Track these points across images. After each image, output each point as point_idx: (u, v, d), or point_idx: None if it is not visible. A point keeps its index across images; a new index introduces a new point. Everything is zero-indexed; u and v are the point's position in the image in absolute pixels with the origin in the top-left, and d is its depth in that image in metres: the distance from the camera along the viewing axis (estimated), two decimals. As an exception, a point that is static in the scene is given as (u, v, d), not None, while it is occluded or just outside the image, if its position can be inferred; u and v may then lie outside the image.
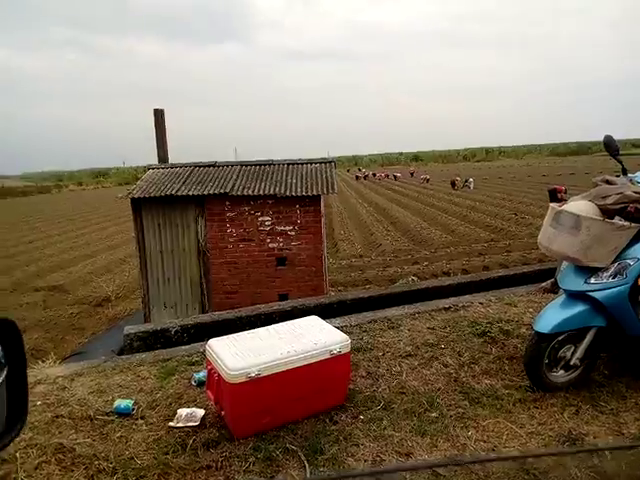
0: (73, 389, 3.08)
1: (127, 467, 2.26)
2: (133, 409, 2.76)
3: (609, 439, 2.37)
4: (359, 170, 60.45)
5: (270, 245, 7.51)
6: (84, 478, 2.21)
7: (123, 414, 2.72)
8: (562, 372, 2.83)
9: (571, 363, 2.77)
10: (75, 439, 2.49)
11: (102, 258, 15.20)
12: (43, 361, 3.85)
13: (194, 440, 2.44)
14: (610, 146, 3.06)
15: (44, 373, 3.35)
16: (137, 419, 2.69)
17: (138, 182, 7.82)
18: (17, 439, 2.36)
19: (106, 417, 2.71)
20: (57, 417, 2.72)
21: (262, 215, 7.46)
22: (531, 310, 3.97)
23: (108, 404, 2.84)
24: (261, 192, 7.31)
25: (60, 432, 2.57)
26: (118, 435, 2.53)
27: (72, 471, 2.25)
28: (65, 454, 2.36)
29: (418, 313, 4.09)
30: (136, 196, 7.26)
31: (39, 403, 2.88)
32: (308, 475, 2.17)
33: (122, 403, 2.77)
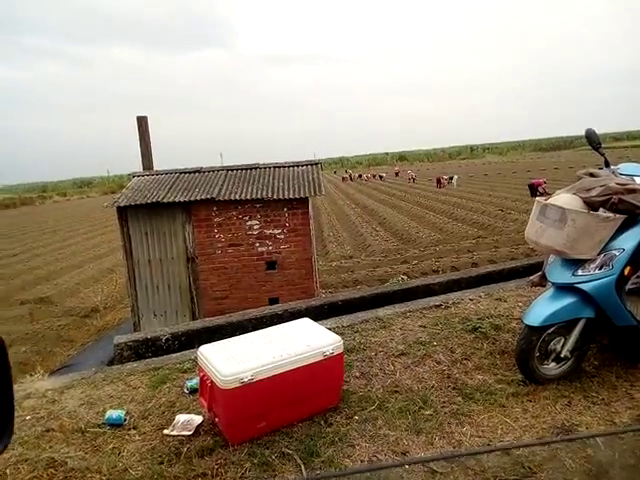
0: (63, 402, 3.03)
1: (121, 479, 2.23)
2: (125, 419, 2.72)
3: (601, 429, 2.40)
4: (346, 172, 60.65)
5: (259, 249, 7.48)
6: (77, 492, 2.18)
7: (115, 425, 2.68)
8: (553, 364, 2.86)
9: (562, 355, 2.79)
10: (67, 453, 2.45)
11: (89, 268, 15.04)
12: (31, 375, 3.78)
13: (188, 448, 2.41)
14: (592, 139, 3.10)
15: (33, 387, 3.30)
16: (130, 429, 2.65)
17: (123, 190, 7.74)
18: (6, 455, 2.32)
19: (98, 429, 2.67)
20: (47, 431, 2.67)
21: (250, 219, 7.43)
22: (521, 304, 4.00)
23: (99, 415, 2.80)
24: (248, 196, 7.28)
25: (51, 446, 2.52)
26: (111, 447, 2.49)
27: (64, 485, 2.21)
28: (57, 468, 2.32)
29: (409, 312, 4.10)
30: (122, 204, 7.19)
31: (28, 417, 2.83)
32: (305, 478, 2.15)
33: (114, 414, 2.73)
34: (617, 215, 2.62)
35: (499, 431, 2.43)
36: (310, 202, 7.63)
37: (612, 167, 3.03)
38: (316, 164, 8.41)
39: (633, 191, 2.60)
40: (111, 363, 4.49)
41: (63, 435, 2.63)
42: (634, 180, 2.78)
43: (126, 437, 2.58)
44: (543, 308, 2.76)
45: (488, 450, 2.25)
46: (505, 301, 4.14)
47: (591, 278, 2.64)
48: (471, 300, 4.22)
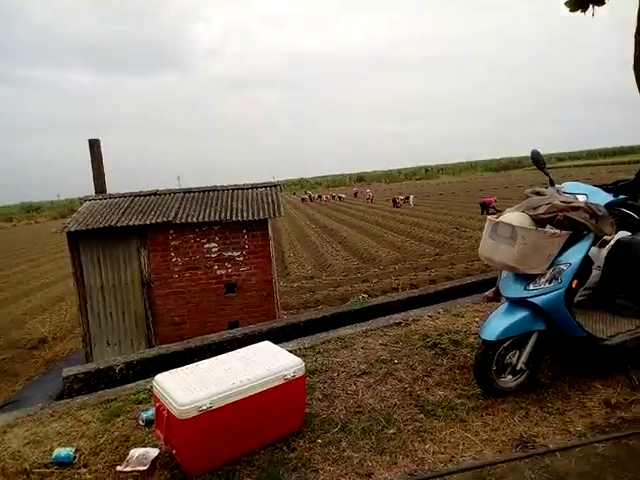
0: (6, 442, 2.82)
1: (69, 522, 2.08)
2: (75, 457, 2.55)
3: (557, 439, 2.46)
4: (305, 193, 61.05)
5: (218, 272, 7.35)
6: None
7: (64, 464, 2.51)
8: (510, 377, 2.93)
9: (517, 368, 2.87)
10: (9, 498, 2.27)
11: (37, 297, 14.28)
12: (-30, 414, 3.51)
13: (143, 484, 2.29)
14: (537, 160, 3.26)
15: (-28, 427, 3.05)
16: (79, 468, 2.49)
17: (74, 215, 7.46)
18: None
19: (44, 469, 2.50)
20: (-13, 475, 2.47)
21: (208, 242, 7.30)
22: (477, 319, 4.10)
23: (46, 455, 2.62)
24: (206, 218, 7.18)
25: (-9, 491, 2.33)
26: (58, 488, 2.33)
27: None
28: (-3, 516, 2.14)
29: (370, 330, 4.11)
30: (72, 229, 6.91)
31: (-34, 461, 2.61)
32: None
33: (62, 452, 2.56)
34: (563, 231, 2.75)
35: (461, 446, 2.45)
36: (270, 223, 7.61)
37: (557, 186, 3.19)
38: (275, 186, 8.43)
39: (576, 208, 2.74)
40: (60, 397, 4.23)
41: (5, 479, 2.44)
42: (577, 198, 2.93)
43: (75, 476, 2.42)
44: (498, 323, 2.84)
45: (453, 471, 2.26)
46: (463, 317, 4.23)
47: (542, 292, 2.74)
48: (430, 317, 4.29)
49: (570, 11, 2.84)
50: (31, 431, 2.94)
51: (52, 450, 2.63)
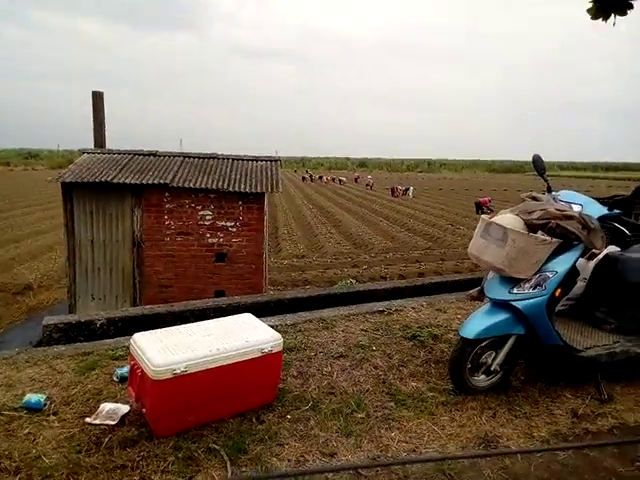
0: (-22, 382, 2.84)
1: (32, 466, 2.11)
2: (45, 404, 2.58)
3: (521, 441, 2.51)
4: (306, 172, 60.70)
5: (210, 240, 7.33)
6: (-17, 478, 2.04)
7: (33, 409, 2.53)
8: (483, 377, 2.97)
9: (492, 368, 2.91)
10: (-24, 436, 2.29)
11: (27, 243, 14.21)
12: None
13: (110, 438, 2.31)
14: (538, 165, 3.25)
15: (-54, 364, 3.07)
16: (49, 415, 2.51)
17: (70, 166, 7.38)
18: None
19: (14, 412, 2.52)
20: (-44, 412, 2.49)
21: (203, 209, 7.27)
22: (459, 316, 4.13)
23: (17, 399, 2.64)
24: (203, 185, 7.13)
25: (-41, 428, 2.35)
26: (26, 432, 2.36)
27: (-31, 471, 2.07)
28: (-38, 452, 2.16)
29: (353, 315, 4.14)
30: (67, 180, 6.84)
31: (-64, 397, 2.63)
32: (229, 475, 2.12)
33: (33, 398, 2.58)
34: (554, 239, 2.76)
35: (426, 438, 2.49)
36: (266, 198, 7.57)
37: (553, 193, 3.19)
38: (276, 160, 8.36)
39: (570, 217, 2.75)
40: (39, 345, 4.24)
41: (-26, 417, 2.46)
42: (572, 207, 2.93)
43: (44, 423, 2.44)
44: (478, 322, 2.86)
45: (415, 460, 2.30)
46: (445, 312, 4.27)
47: (525, 297, 2.76)
48: (413, 308, 4.32)
49: (591, 18, 2.78)
50: (5, 374, 2.96)
51: (23, 395, 2.64)
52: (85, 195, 7.02)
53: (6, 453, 2.18)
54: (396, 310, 4.26)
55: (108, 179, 6.88)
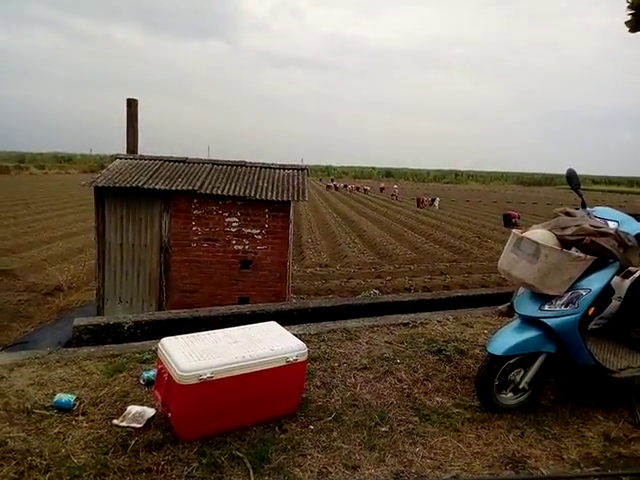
0: (12, 379, 2.92)
1: (62, 465, 2.15)
2: (74, 405, 2.63)
3: (550, 463, 2.43)
4: (331, 180, 60.87)
5: (235, 247, 7.41)
6: (14, 474, 2.09)
7: (63, 409, 2.59)
8: (511, 395, 2.90)
9: (520, 386, 2.83)
10: (8, 432, 2.36)
11: (58, 245, 14.63)
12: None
13: (136, 441, 2.34)
14: (572, 179, 3.18)
15: (-19, 360, 3.17)
16: (78, 415, 2.57)
17: (103, 171, 7.59)
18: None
19: (45, 411, 2.58)
20: (-9, 408, 2.56)
21: (230, 216, 7.36)
22: (486, 332, 4.05)
23: (48, 398, 2.70)
24: (230, 193, 7.22)
25: (-8, 424, 2.42)
26: (56, 431, 2.41)
27: (1, 466, 2.12)
28: (-5, 448, 2.23)
29: (377, 326, 4.11)
30: (100, 185, 7.04)
31: (-28, 392, 2.72)
32: (252, 484, 2.12)
33: (63, 398, 2.64)
34: (588, 256, 2.69)
35: (451, 455, 2.44)
36: (292, 206, 7.61)
37: (588, 209, 3.11)
38: (303, 169, 8.41)
39: (605, 234, 2.67)
40: (68, 345, 4.35)
41: (7, 414, 2.53)
42: (607, 224, 2.86)
43: (73, 423, 2.49)
44: (507, 338, 2.80)
45: (440, 479, 2.26)
46: (472, 327, 4.19)
47: (556, 314, 2.69)
48: (439, 322, 4.26)
49: (630, 31, 2.73)
50: (37, 373, 3.04)
51: (54, 394, 2.71)
52: (116, 199, 7.20)
53: (37, 451, 2.23)
54: (421, 323, 4.21)
55: (139, 184, 7.04)
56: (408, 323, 4.20)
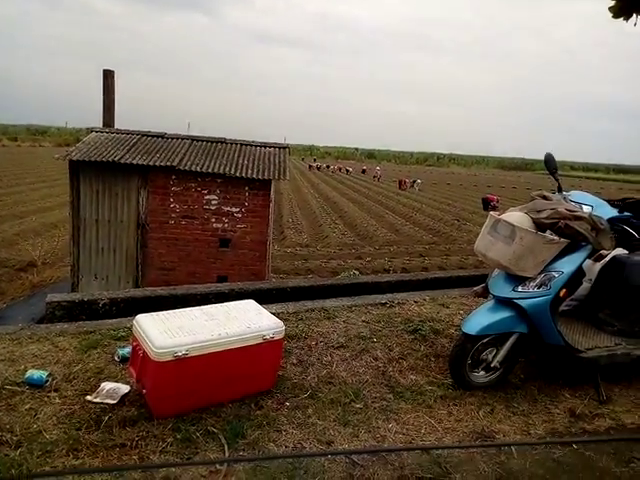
0: (-18, 356, 2.86)
1: (33, 441, 2.13)
2: (47, 381, 2.60)
3: (517, 438, 2.51)
4: (314, 160, 60.47)
5: (214, 225, 7.33)
6: (-17, 450, 2.06)
7: (35, 385, 2.56)
8: (483, 373, 2.97)
9: (492, 365, 2.90)
10: (-23, 409, 2.32)
11: (32, 220, 14.26)
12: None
13: (110, 417, 2.33)
14: (549, 163, 3.21)
15: (-50, 336, 3.10)
16: (50, 391, 2.54)
17: (78, 144, 7.36)
18: None
19: (16, 387, 2.55)
20: (-41, 384, 2.51)
21: (209, 193, 7.26)
22: (462, 312, 4.13)
23: (19, 374, 2.66)
24: (210, 169, 7.10)
25: (-39, 401, 2.38)
26: (27, 407, 2.38)
27: (-30, 442, 2.09)
28: (-36, 424, 2.19)
29: (355, 306, 4.14)
30: (75, 158, 6.83)
31: (-60, 368, 2.66)
32: (226, 458, 2.13)
33: (35, 374, 2.60)
34: (562, 239, 2.74)
35: (423, 430, 2.50)
36: (273, 185, 7.54)
37: (564, 193, 3.16)
38: (284, 147, 8.31)
39: (579, 218, 2.72)
40: (41, 321, 4.28)
41: (-24, 390, 2.48)
42: (582, 208, 2.91)
43: (45, 399, 2.47)
44: (481, 318, 2.86)
45: (409, 448, 2.31)
46: (448, 307, 4.26)
47: (529, 295, 2.75)
48: (416, 302, 4.32)
49: (613, 17, 2.73)
50: (8, 349, 2.98)
51: (26, 370, 2.67)
52: (92, 174, 7.01)
53: (7, 427, 2.20)
54: (398, 303, 4.26)
55: (115, 159, 6.86)
56: (386, 303, 4.25)
